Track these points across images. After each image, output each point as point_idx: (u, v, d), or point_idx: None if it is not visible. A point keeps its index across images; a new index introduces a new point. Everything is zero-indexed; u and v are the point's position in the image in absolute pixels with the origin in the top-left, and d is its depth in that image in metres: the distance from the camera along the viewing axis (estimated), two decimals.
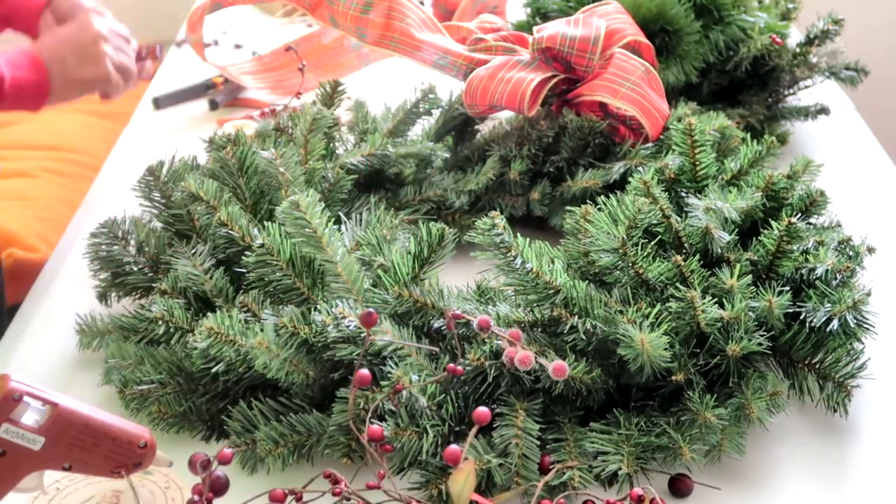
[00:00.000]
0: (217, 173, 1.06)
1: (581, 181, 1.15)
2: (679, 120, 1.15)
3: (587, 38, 1.17)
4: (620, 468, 0.83)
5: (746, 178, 1.05)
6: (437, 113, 1.28)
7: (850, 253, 0.96)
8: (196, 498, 0.76)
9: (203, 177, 1.05)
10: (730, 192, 1.00)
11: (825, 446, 0.92)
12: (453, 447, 0.78)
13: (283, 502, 0.77)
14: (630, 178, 1.02)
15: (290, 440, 0.87)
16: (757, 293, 0.90)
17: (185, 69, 1.74)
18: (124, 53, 1.40)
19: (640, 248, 0.92)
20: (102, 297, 1.08)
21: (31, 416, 0.74)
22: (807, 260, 0.93)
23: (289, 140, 1.13)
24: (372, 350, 0.87)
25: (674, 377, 0.87)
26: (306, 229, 0.91)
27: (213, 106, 1.61)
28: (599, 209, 0.96)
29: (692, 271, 0.91)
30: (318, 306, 0.89)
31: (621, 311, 0.88)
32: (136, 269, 1.05)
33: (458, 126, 1.29)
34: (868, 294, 0.91)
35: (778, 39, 1.37)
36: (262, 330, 0.86)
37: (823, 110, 1.44)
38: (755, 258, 0.95)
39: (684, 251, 0.95)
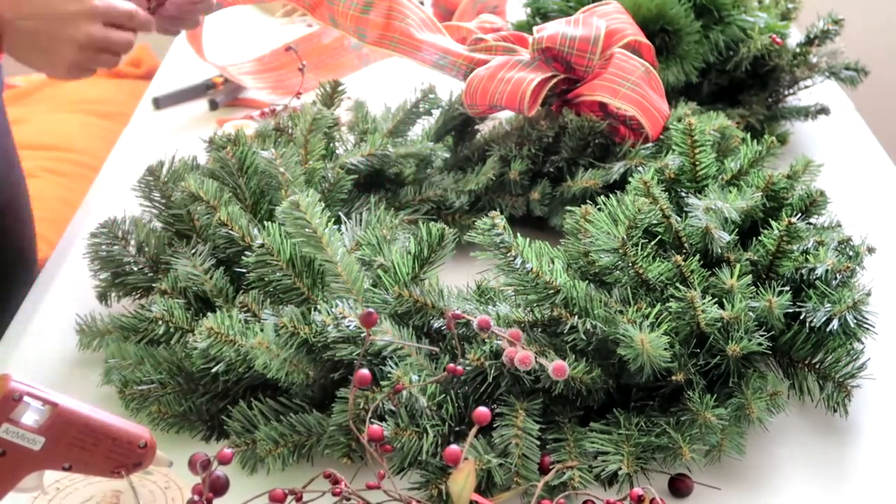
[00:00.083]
0: (217, 173, 1.06)
1: (581, 181, 1.15)
2: (679, 120, 1.15)
3: (587, 38, 1.17)
4: (620, 468, 0.83)
5: (746, 178, 1.05)
6: (437, 113, 1.28)
7: (850, 253, 0.96)
8: (196, 498, 0.76)
9: (203, 177, 1.05)
10: (730, 192, 1.00)
11: (825, 446, 0.92)
12: (453, 447, 0.78)
13: (283, 502, 0.77)
14: (630, 178, 1.02)
15: (290, 440, 0.87)
16: (757, 293, 0.90)
17: (185, 69, 1.74)
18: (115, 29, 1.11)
19: (640, 248, 0.92)
20: (102, 297, 1.08)
21: (31, 416, 0.74)
22: (807, 260, 0.93)
23: (289, 140, 1.13)
24: (372, 350, 0.87)
25: (674, 377, 0.86)
26: (306, 229, 0.91)
27: (213, 106, 1.61)
28: (599, 209, 0.96)
29: (692, 271, 0.91)
30: (318, 306, 0.89)
31: (621, 311, 0.88)
32: (136, 269, 1.05)
33: (458, 126, 1.29)
34: (868, 294, 0.91)
35: (778, 39, 1.37)
36: (262, 330, 0.86)
37: (823, 110, 1.44)
38: (755, 258, 0.95)
39: (684, 251, 0.95)
